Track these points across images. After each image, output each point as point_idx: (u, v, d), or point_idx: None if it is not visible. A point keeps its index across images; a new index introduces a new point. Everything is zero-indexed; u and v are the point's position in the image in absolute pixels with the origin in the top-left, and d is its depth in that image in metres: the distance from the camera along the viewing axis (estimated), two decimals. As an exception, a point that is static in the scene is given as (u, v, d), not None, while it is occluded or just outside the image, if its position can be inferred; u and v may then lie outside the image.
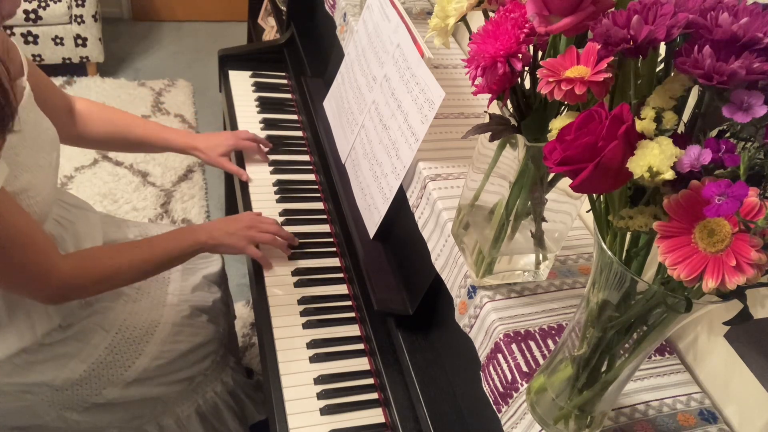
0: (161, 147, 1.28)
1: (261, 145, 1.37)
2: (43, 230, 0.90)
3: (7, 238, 0.81)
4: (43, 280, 0.88)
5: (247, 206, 1.27)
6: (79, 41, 2.68)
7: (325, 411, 0.95)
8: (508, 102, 0.63)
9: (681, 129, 0.46)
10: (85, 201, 1.15)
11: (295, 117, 1.52)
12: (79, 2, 2.59)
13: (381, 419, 0.96)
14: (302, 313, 1.09)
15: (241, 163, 1.36)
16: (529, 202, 0.68)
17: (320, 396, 0.97)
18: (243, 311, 1.97)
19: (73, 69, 2.81)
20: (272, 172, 1.35)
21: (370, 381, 1.02)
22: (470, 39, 0.61)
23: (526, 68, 0.60)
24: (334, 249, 1.22)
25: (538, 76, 0.50)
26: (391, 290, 1.01)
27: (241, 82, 1.58)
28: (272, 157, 1.38)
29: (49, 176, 0.93)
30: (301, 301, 1.11)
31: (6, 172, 0.80)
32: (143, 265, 1.01)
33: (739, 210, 0.38)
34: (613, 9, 0.50)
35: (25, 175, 0.85)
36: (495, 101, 0.63)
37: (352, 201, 1.13)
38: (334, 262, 1.20)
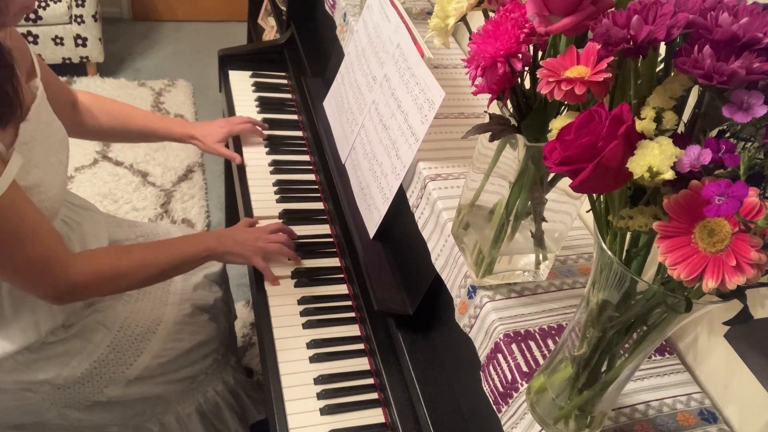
0: (162, 135, 1.31)
1: (257, 126, 1.41)
2: (52, 226, 0.90)
3: (14, 231, 0.81)
4: (50, 276, 0.88)
5: (247, 206, 1.27)
6: (79, 41, 2.68)
7: (325, 411, 0.95)
8: (508, 102, 0.63)
9: (681, 129, 0.46)
10: (90, 202, 1.16)
11: (295, 117, 1.52)
12: (79, 2, 2.59)
13: (381, 419, 0.96)
14: (302, 313, 1.09)
15: (239, 150, 1.38)
16: (529, 202, 0.68)
17: (320, 396, 0.97)
18: (243, 311, 1.97)
19: (73, 69, 2.81)
20: (272, 172, 1.35)
21: (370, 381, 1.02)
22: (470, 39, 0.61)
23: (526, 68, 0.60)
24: (334, 249, 1.22)
25: (538, 76, 0.50)
26: (391, 290, 1.01)
27: (241, 82, 1.58)
28: (272, 157, 1.38)
29: (59, 174, 0.94)
30: (301, 301, 1.11)
31: (20, 163, 0.81)
32: (151, 268, 1.00)
33: (739, 210, 0.38)
34: (613, 9, 0.50)
35: (37, 171, 0.86)
36: (495, 101, 0.63)
37: (352, 201, 1.13)
38: (334, 262, 1.20)
